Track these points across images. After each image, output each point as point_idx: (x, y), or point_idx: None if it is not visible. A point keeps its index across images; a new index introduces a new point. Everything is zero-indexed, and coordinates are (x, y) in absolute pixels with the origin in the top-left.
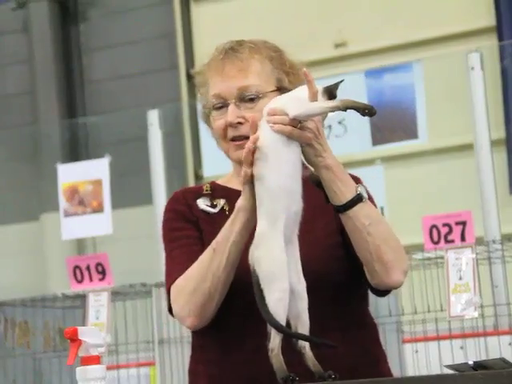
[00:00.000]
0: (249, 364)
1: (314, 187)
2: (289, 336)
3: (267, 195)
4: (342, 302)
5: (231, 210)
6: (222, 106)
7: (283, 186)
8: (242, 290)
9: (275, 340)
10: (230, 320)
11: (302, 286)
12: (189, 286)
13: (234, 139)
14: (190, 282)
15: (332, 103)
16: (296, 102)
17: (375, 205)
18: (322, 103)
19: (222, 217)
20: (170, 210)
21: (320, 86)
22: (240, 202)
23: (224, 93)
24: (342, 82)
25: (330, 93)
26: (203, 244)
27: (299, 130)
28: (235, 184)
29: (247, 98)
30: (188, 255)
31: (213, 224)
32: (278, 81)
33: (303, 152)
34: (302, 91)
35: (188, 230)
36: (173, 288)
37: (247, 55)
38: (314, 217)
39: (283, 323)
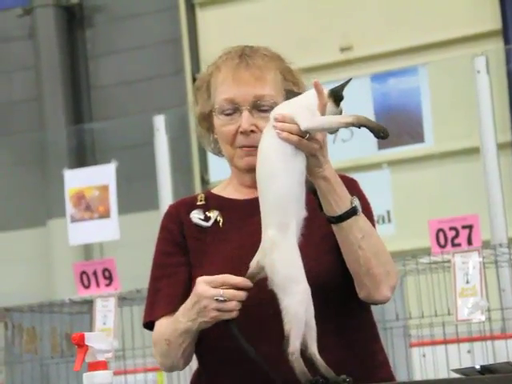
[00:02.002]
0: (248, 378)
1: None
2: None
3: (273, 201)
4: (338, 305)
5: (224, 221)
6: (233, 111)
7: (294, 192)
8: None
9: (295, 344)
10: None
11: (308, 290)
12: (158, 345)
13: (243, 146)
14: (159, 343)
15: (347, 119)
16: (307, 112)
17: (371, 214)
18: (337, 117)
19: (214, 230)
20: (163, 228)
21: (325, 89)
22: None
23: (238, 99)
24: (349, 81)
25: (336, 95)
26: (189, 267)
27: (306, 141)
28: (231, 192)
29: (261, 108)
30: (173, 289)
31: (205, 238)
32: (286, 93)
33: None
34: (311, 98)
35: (176, 256)
36: (153, 336)
37: (263, 63)
38: (309, 219)
39: (303, 327)
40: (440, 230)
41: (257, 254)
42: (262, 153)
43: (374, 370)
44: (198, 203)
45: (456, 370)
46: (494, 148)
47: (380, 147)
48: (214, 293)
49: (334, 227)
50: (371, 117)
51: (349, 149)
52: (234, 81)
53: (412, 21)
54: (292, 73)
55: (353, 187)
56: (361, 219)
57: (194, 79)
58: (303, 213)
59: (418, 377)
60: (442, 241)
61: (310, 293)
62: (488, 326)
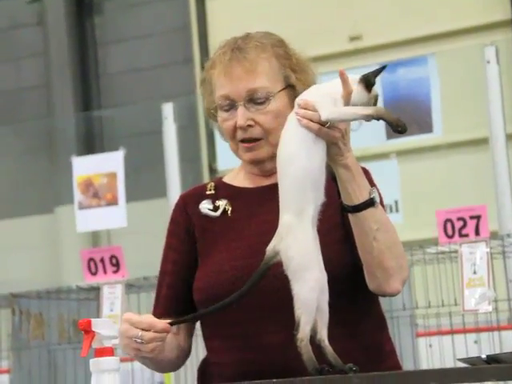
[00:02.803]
0: (256, 363)
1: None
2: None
3: (291, 185)
4: (344, 295)
5: (233, 210)
6: (230, 107)
7: (312, 177)
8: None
9: (305, 330)
10: (232, 322)
11: (323, 277)
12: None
13: (243, 141)
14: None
15: (367, 111)
16: (330, 101)
17: (383, 204)
18: (357, 109)
19: (223, 219)
20: (171, 220)
21: (356, 76)
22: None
23: (233, 94)
24: (384, 68)
25: (368, 81)
26: (196, 257)
27: (327, 129)
28: (241, 181)
29: (257, 101)
30: (172, 290)
31: (213, 227)
32: (285, 78)
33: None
34: (336, 86)
35: (180, 249)
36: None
37: (254, 55)
38: (323, 206)
39: (313, 313)
40: (448, 220)
41: (274, 238)
42: (284, 138)
43: (379, 360)
44: (208, 192)
45: (462, 360)
46: (502, 138)
47: (388, 137)
48: (133, 333)
49: (351, 216)
50: (380, 105)
51: (357, 138)
52: (226, 76)
53: (422, 10)
54: (291, 58)
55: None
56: (378, 211)
57: (203, 67)
58: (322, 199)
59: (424, 367)
60: (449, 231)
61: (324, 280)
62: (495, 316)
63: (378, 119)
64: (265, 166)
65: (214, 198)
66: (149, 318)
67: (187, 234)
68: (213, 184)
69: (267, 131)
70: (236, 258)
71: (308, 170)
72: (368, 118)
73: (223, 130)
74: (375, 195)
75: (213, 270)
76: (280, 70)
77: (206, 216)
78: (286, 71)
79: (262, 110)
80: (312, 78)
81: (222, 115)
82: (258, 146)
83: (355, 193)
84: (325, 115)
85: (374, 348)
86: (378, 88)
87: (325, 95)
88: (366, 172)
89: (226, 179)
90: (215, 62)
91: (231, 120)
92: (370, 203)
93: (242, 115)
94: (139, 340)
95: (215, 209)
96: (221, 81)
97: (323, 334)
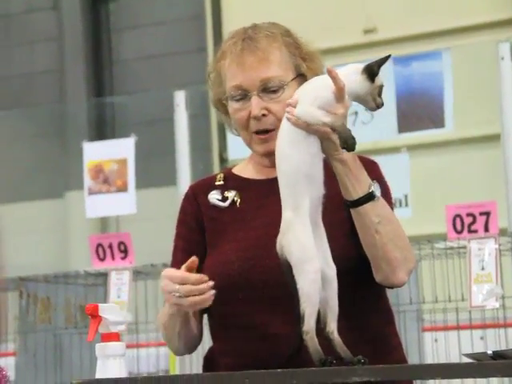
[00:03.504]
0: (257, 353)
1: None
2: None
3: (286, 182)
4: (350, 289)
5: (242, 201)
6: (243, 97)
7: (303, 172)
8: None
9: (310, 323)
10: (238, 313)
11: (331, 270)
12: (160, 330)
13: (257, 132)
14: (160, 327)
15: (325, 118)
16: (310, 99)
17: (390, 197)
18: (319, 115)
19: (231, 210)
20: (181, 209)
21: (360, 65)
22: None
23: (246, 84)
24: (388, 57)
25: (371, 71)
26: (205, 247)
27: (316, 126)
28: (250, 172)
29: (270, 90)
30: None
31: (222, 218)
32: (296, 67)
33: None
34: (324, 80)
35: (187, 238)
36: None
37: (266, 44)
38: (328, 201)
39: (316, 305)
40: (457, 215)
41: (279, 234)
42: (278, 136)
43: (385, 354)
44: (217, 183)
45: (468, 355)
46: None
47: (400, 131)
48: (171, 288)
49: (352, 212)
50: (393, 99)
51: (369, 131)
52: (238, 67)
53: (437, 5)
54: (300, 47)
55: (372, 170)
56: (379, 204)
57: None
58: (319, 192)
59: (429, 361)
60: (458, 226)
61: (331, 272)
62: (502, 313)
63: (333, 130)
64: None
65: (223, 189)
66: (183, 272)
67: (196, 223)
68: (222, 175)
69: (280, 120)
70: (243, 249)
71: (298, 166)
72: (325, 125)
73: (235, 121)
74: (374, 189)
75: (220, 261)
76: (291, 58)
77: (215, 206)
78: (296, 60)
79: (276, 99)
80: (320, 67)
81: (233, 106)
82: (271, 138)
83: (354, 187)
84: (296, 113)
85: (380, 341)
86: (391, 81)
87: (310, 91)
88: (373, 164)
89: (236, 170)
90: (225, 53)
91: (244, 110)
92: (368, 197)
93: (256, 105)
94: (177, 294)
95: (224, 199)
96: (232, 71)
97: (332, 326)
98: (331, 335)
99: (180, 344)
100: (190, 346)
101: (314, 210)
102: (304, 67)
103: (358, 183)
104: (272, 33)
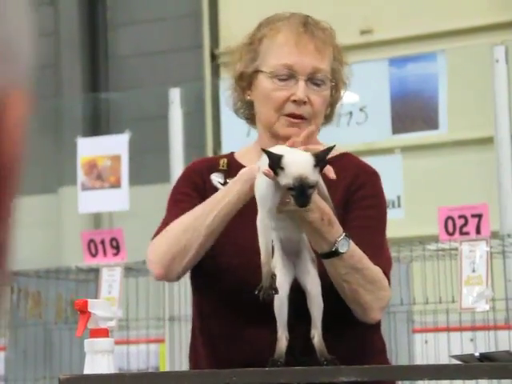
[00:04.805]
0: (245, 352)
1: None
2: None
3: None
4: (337, 302)
5: None
6: (289, 78)
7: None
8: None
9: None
10: (226, 309)
11: (315, 287)
12: (169, 232)
13: (291, 115)
14: (172, 230)
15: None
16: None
17: (382, 215)
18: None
19: None
20: (184, 176)
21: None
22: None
23: (297, 66)
24: (333, 147)
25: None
26: None
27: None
28: (252, 161)
29: (315, 81)
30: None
31: None
32: (332, 71)
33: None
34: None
35: (194, 198)
36: (157, 235)
37: (324, 36)
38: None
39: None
40: (449, 217)
41: None
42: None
43: (367, 357)
44: (220, 168)
45: (455, 357)
46: (508, 139)
47: (394, 132)
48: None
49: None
50: (387, 100)
51: (362, 132)
52: (296, 48)
53: (433, 7)
54: (341, 52)
55: (372, 183)
56: (346, 257)
57: (213, 54)
58: (283, 234)
59: (418, 363)
60: (450, 228)
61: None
62: (492, 315)
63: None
64: None
65: (225, 174)
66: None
67: (198, 193)
68: (226, 160)
69: (315, 113)
70: (237, 238)
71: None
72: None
73: (267, 99)
74: (339, 246)
75: (211, 248)
76: (333, 62)
77: (215, 188)
78: (335, 64)
79: (318, 92)
80: (346, 71)
81: (275, 83)
82: (302, 125)
83: (319, 244)
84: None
85: (363, 345)
86: (386, 82)
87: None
88: (374, 176)
89: (238, 157)
90: (279, 29)
91: (285, 91)
92: (333, 254)
93: (304, 89)
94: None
95: (225, 184)
96: (287, 49)
97: (313, 332)
98: (312, 340)
99: (181, 261)
100: (183, 269)
101: (289, 248)
102: (338, 74)
103: (323, 241)
104: (327, 29)
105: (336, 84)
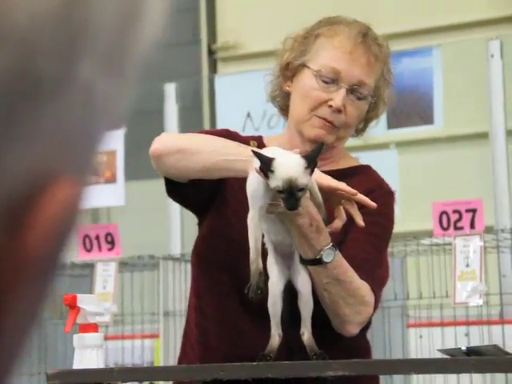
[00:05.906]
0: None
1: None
2: None
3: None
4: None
5: None
6: (332, 81)
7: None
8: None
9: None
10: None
11: (305, 287)
12: (186, 136)
13: (322, 118)
14: (188, 135)
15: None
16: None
17: (386, 232)
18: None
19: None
20: (217, 130)
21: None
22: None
23: (344, 73)
24: (322, 146)
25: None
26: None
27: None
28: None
29: (357, 93)
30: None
31: (242, 188)
32: (376, 88)
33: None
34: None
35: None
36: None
37: (379, 53)
38: None
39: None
40: (443, 212)
41: None
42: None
43: (353, 355)
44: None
45: (442, 351)
46: (503, 134)
47: (389, 127)
48: None
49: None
50: None
51: None
52: (349, 55)
53: (428, 2)
54: (390, 72)
55: (383, 202)
56: (330, 267)
57: (210, 50)
58: (275, 237)
59: (413, 357)
60: (444, 223)
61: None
62: (486, 310)
63: None
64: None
65: None
66: None
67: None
68: (256, 143)
69: (346, 124)
70: (244, 226)
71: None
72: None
73: (307, 95)
74: (324, 256)
75: (216, 232)
76: (379, 79)
77: None
78: (380, 82)
79: (356, 104)
80: (387, 94)
81: (317, 83)
82: (332, 131)
83: (304, 249)
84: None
85: (349, 346)
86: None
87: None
88: (389, 196)
89: (266, 142)
90: (339, 32)
91: (324, 93)
92: (317, 262)
93: (343, 97)
94: None
95: None
96: (339, 54)
97: (303, 330)
98: (302, 336)
99: (191, 166)
100: (182, 177)
101: (281, 250)
102: (380, 92)
103: (309, 247)
104: (383, 45)
105: (376, 102)
